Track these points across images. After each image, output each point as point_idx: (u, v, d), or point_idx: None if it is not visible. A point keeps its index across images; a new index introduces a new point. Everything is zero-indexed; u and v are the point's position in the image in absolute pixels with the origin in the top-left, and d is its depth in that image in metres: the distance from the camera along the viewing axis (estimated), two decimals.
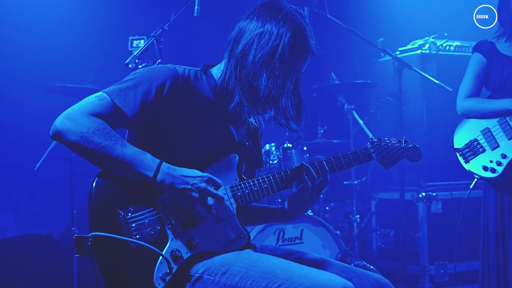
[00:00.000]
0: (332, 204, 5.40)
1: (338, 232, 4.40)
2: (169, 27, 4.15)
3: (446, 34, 5.38)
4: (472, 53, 3.90)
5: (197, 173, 2.13)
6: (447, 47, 5.38)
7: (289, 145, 4.73)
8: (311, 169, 2.33)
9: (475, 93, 3.83)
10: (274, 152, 4.69)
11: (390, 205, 5.46)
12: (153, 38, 4.11)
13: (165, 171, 2.09)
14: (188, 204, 2.14)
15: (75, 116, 2.08)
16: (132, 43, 4.24)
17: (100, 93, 2.17)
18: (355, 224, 5.00)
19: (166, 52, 4.16)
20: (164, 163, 2.11)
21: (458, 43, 5.42)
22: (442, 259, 5.10)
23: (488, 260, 3.78)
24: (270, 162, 4.65)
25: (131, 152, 2.09)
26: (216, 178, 2.16)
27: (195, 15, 4.27)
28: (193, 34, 5.41)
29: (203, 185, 2.11)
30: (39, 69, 5.39)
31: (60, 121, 2.08)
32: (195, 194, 2.10)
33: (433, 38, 5.37)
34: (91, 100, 2.14)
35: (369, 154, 2.47)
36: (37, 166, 4.61)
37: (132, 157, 2.08)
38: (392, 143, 2.53)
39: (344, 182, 5.18)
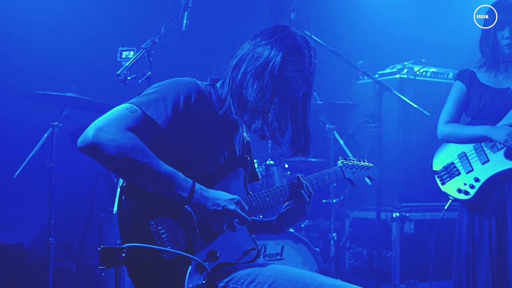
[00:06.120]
0: (306, 221, 5.47)
1: (317, 249, 4.47)
2: (160, 40, 4.18)
3: (423, 60, 5.55)
4: (454, 81, 4.07)
5: (228, 195, 2.20)
6: (424, 73, 5.54)
7: (271, 162, 4.80)
8: (308, 184, 2.47)
9: (454, 119, 4.00)
10: (257, 168, 4.74)
11: (363, 224, 5.58)
12: (144, 50, 4.13)
13: (198, 192, 2.14)
14: (215, 224, 2.19)
15: (111, 130, 2.05)
16: (121, 54, 4.24)
17: (129, 105, 2.16)
18: (332, 242, 5.09)
19: (156, 64, 4.18)
20: (196, 184, 2.15)
21: (434, 69, 5.58)
22: (413, 277, 5.23)
23: (460, 279, 3.91)
24: None
25: (165, 172, 2.10)
26: (243, 202, 2.23)
27: (183, 29, 4.31)
28: (183, 47, 5.43)
29: (233, 207, 2.18)
30: (21, 76, 5.29)
31: (94, 134, 2.04)
32: (225, 216, 2.16)
33: (411, 63, 5.52)
34: (124, 113, 2.13)
35: (342, 172, 2.68)
36: (16, 174, 4.52)
37: (167, 176, 2.10)
38: (356, 162, 2.75)
39: (323, 201, 5.27)
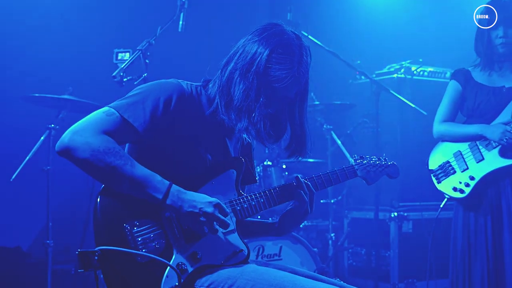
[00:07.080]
0: (305, 222, 5.46)
1: (315, 249, 4.46)
2: (156, 41, 4.18)
3: (421, 60, 5.55)
4: (450, 80, 4.08)
5: (206, 198, 2.16)
6: (421, 73, 5.53)
7: (269, 163, 4.79)
8: (309, 183, 2.41)
9: (450, 118, 4.02)
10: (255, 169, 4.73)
11: (362, 224, 5.58)
12: (140, 52, 4.13)
13: (174, 194, 2.11)
14: (194, 227, 2.15)
15: (85, 133, 2.07)
16: (117, 56, 4.24)
17: (107, 108, 2.17)
18: (330, 242, 5.09)
19: (152, 66, 4.18)
20: (173, 186, 2.12)
21: (431, 69, 5.58)
22: (411, 277, 5.22)
23: (456, 277, 3.93)
24: None
25: (140, 174, 2.09)
26: (224, 206, 2.19)
27: (179, 30, 4.31)
28: (179, 48, 5.43)
29: (210, 209, 2.13)
30: (17, 79, 5.28)
31: (70, 137, 2.06)
32: (202, 218, 2.12)
33: (408, 63, 5.52)
34: (100, 116, 2.14)
35: (354, 171, 2.59)
36: (13, 177, 4.52)
37: (142, 178, 2.09)
38: (374, 160, 2.67)
39: (321, 201, 5.27)
